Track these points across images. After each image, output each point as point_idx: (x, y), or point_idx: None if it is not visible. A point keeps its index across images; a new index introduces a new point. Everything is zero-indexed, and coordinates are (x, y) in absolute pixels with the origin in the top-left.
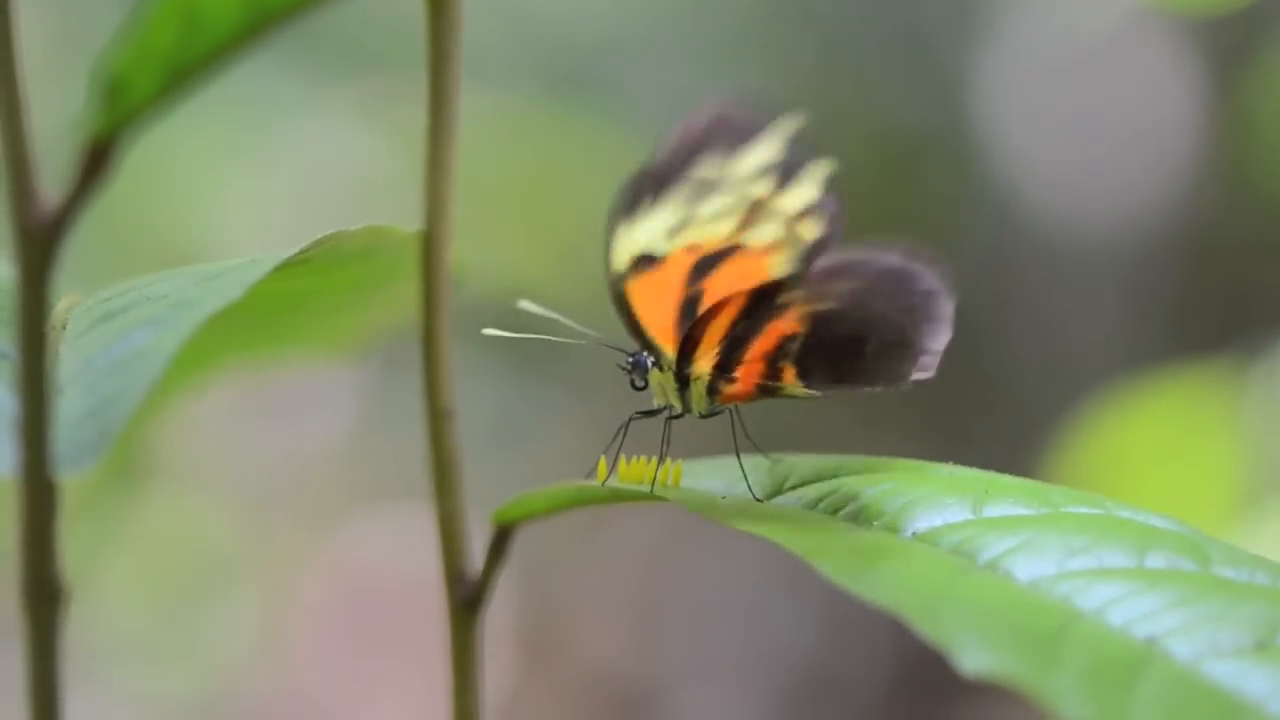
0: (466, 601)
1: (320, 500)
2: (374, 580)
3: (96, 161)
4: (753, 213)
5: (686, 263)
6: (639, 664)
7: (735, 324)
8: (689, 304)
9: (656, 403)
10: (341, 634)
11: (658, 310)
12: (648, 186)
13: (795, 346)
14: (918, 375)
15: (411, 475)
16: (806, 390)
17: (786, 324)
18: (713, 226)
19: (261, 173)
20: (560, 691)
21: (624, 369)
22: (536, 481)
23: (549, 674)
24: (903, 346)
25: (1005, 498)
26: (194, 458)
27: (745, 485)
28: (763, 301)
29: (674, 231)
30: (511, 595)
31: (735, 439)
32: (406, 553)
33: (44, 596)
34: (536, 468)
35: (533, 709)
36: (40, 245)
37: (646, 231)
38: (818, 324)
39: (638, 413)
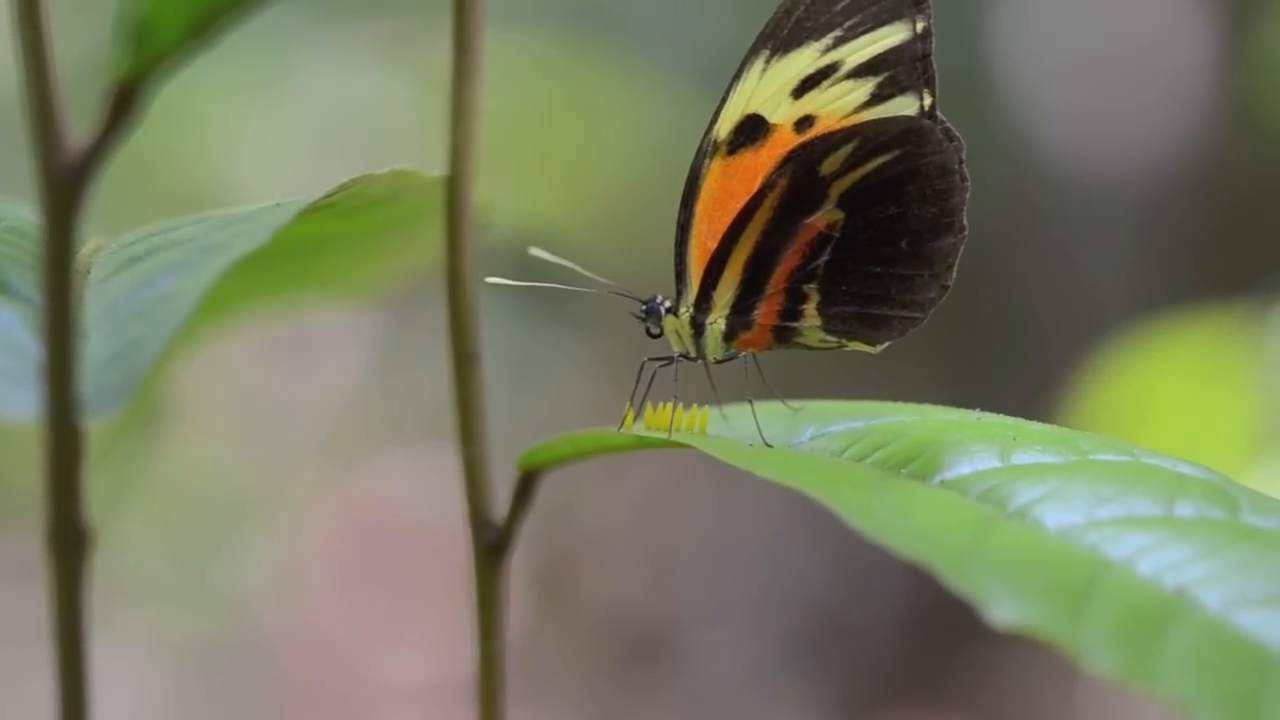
0: (492, 546)
1: (336, 443)
2: (390, 521)
3: (123, 106)
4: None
5: (786, 146)
6: (653, 606)
7: (770, 225)
8: (747, 212)
9: (674, 350)
10: (358, 575)
11: (718, 213)
12: (817, 9)
13: (824, 258)
14: (942, 288)
15: (426, 418)
16: (822, 335)
17: (824, 217)
18: (847, 90)
19: (278, 111)
20: (574, 633)
21: (638, 317)
22: (549, 424)
23: (563, 615)
24: (945, 217)
25: (1033, 445)
26: (210, 399)
27: (771, 432)
28: (811, 179)
29: (803, 86)
30: (525, 536)
31: (748, 385)
32: (422, 494)
33: (69, 541)
34: (549, 410)
35: (547, 650)
36: (66, 190)
37: (781, 75)
38: (861, 200)
39: (651, 358)
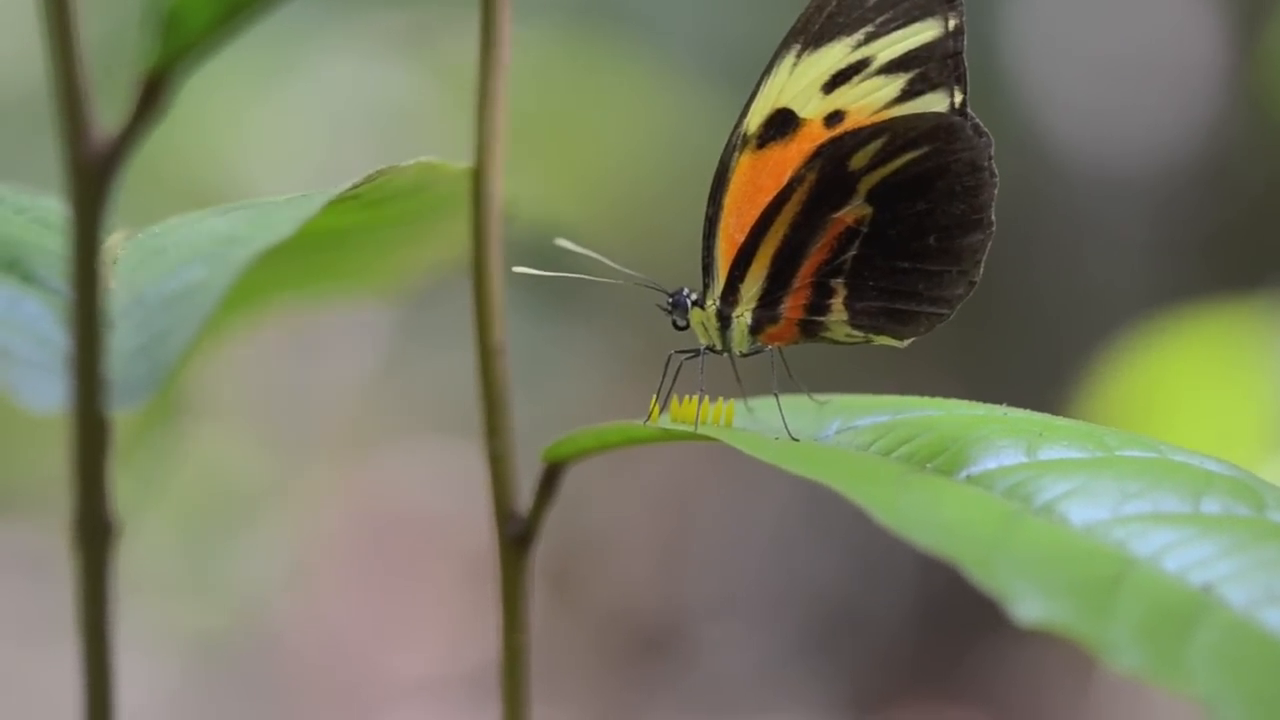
0: (516, 539)
1: (348, 436)
2: (402, 515)
3: (151, 95)
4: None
5: (815, 140)
6: (663, 599)
7: (799, 219)
8: (775, 206)
9: (702, 343)
10: (370, 568)
11: (746, 206)
12: (849, 3)
13: (852, 253)
14: (970, 283)
15: (440, 412)
16: (849, 330)
17: (852, 212)
18: (878, 85)
19: (295, 102)
20: (584, 625)
21: (664, 309)
22: (566, 416)
23: (573, 608)
24: (974, 214)
25: (1059, 440)
26: (226, 390)
27: (797, 425)
28: (840, 173)
29: (834, 81)
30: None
31: (774, 379)
32: (435, 488)
33: (96, 533)
34: (566, 402)
35: (557, 642)
36: (93, 180)
37: (812, 70)
38: (890, 195)
39: (678, 352)
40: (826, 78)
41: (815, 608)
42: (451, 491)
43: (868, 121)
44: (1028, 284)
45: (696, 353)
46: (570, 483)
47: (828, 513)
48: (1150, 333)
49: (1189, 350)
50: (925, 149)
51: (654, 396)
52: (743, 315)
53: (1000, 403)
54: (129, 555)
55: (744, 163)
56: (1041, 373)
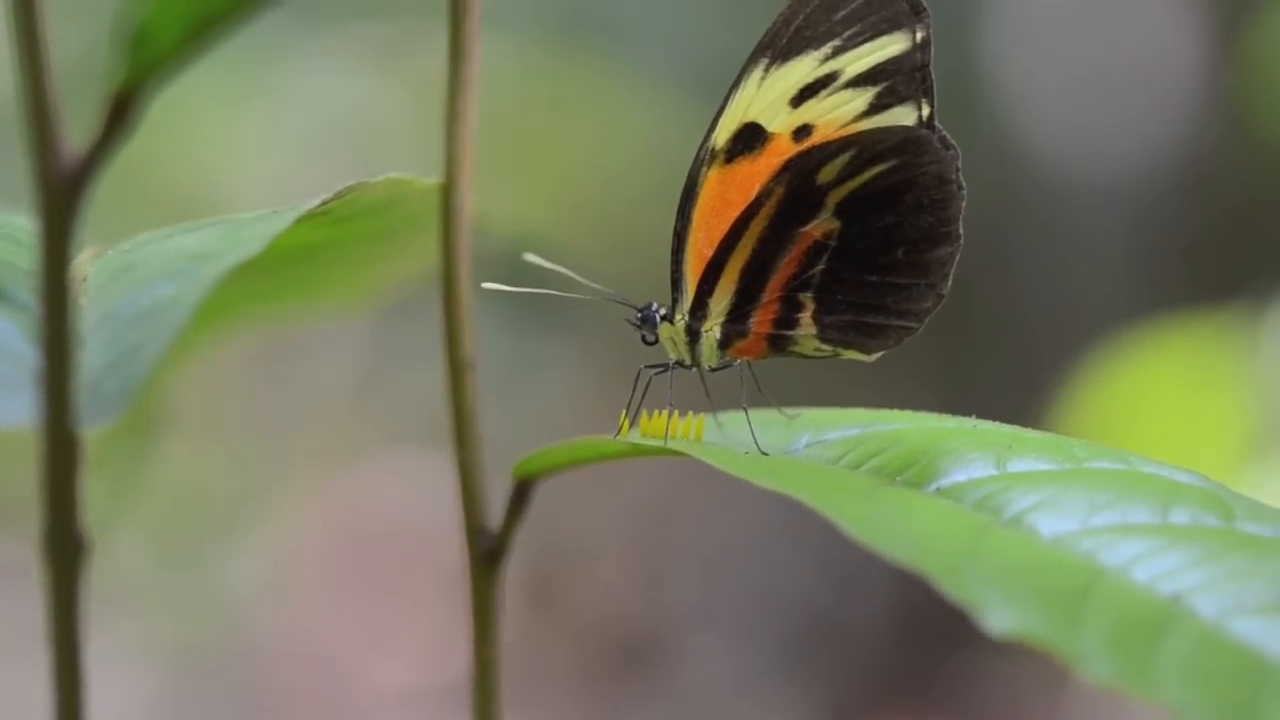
0: (487, 554)
1: (327, 448)
2: (381, 527)
3: (120, 113)
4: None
5: (783, 154)
6: (642, 611)
7: (767, 233)
8: (743, 220)
9: (671, 357)
10: (348, 580)
11: (715, 221)
12: (816, 17)
13: (820, 267)
14: (938, 296)
15: (417, 424)
16: (818, 344)
17: (820, 226)
18: (845, 99)
19: (268, 118)
20: (562, 638)
21: (633, 324)
22: (541, 429)
23: (551, 621)
24: (942, 227)
25: (1029, 453)
26: (202, 403)
27: (766, 440)
28: (808, 187)
29: (802, 95)
30: (514, 541)
31: (744, 393)
32: (413, 500)
33: (66, 549)
34: (540, 416)
35: (535, 655)
36: (63, 197)
37: (780, 84)
38: (858, 209)
39: (647, 366)
40: (794, 92)
41: (794, 619)
42: (429, 503)
43: (835, 135)
44: (1006, 294)
45: (666, 367)
46: (548, 494)
47: (805, 525)
48: (1128, 343)
49: (1167, 361)
50: (893, 162)
51: (623, 412)
52: (711, 330)
53: (980, 414)
54: (106, 568)
55: (712, 177)
56: (1020, 383)
